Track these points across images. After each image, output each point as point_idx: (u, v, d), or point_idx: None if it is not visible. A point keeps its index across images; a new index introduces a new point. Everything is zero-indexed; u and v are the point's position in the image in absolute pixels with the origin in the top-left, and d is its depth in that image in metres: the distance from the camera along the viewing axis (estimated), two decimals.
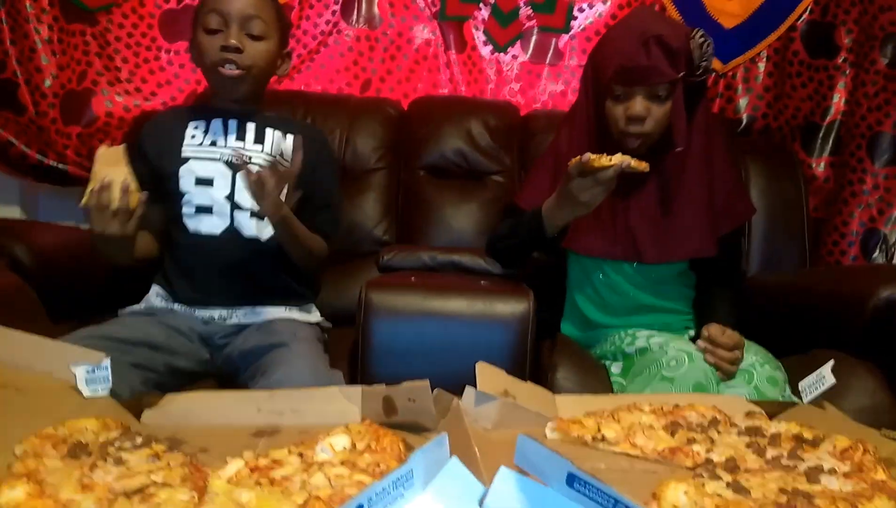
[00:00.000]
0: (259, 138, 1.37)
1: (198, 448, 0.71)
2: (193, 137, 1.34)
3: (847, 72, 2.04)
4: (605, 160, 1.16)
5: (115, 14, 1.97)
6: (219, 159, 1.33)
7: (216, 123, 1.35)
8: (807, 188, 1.94)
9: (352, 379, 1.23)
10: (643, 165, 1.18)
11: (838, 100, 2.05)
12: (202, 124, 1.35)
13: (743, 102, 2.11)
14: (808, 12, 2.05)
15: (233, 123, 1.36)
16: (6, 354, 0.82)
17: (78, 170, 1.94)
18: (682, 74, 1.28)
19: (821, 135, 2.07)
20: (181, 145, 1.33)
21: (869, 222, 1.98)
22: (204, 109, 1.38)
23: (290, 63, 1.45)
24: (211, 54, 1.29)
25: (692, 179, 1.39)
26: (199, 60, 1.35)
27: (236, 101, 1.35)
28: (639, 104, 1.29)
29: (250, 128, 1.37)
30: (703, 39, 1.30)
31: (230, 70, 1.29)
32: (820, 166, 2.08)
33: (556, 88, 2.09)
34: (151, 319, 1.26)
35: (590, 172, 1.17)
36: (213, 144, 1.34)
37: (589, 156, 1.15)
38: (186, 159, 1.32)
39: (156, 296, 1.34)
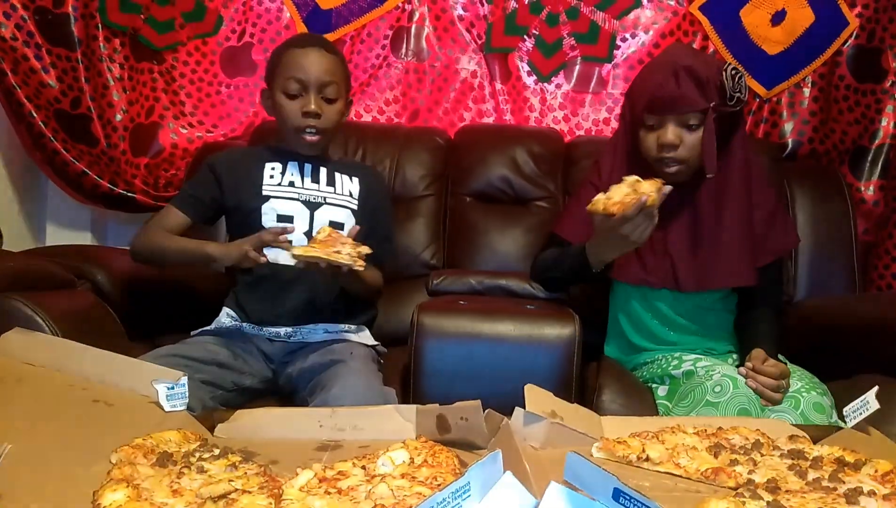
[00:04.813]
0: (330, 181, 1.48)
1: (269, 460, 0.78)
2: (272, 176, 1.45)
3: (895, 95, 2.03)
4: (619, 195, 1.20)
5: (181, 52, 2.10)
6: (297, 199, 1.43)
7: (292, 166, 1.47)
8: (855, 211, 1.93)
9: (404, 398, 1.28)
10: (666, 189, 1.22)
11: (887, 123, 2.04)
12: (279, 166, 1.46)
13: (788, 127, 2.12)
14: (853, 37, 2.05)
15: (307, 167, 1.47)
16: (98, 372, 0.90)
17: (145, 198, 2.07)
18: (712, 103, 1.30)
19: (869, 158, 2.06)
20: (261, 184, 1.43)
21: None
22: (278, 151, 1.49)
23: (350, 109, 1.55)
24: (293, 118, 1.40)
25: (731, 208, 1.40)
26: (279, 119, 1.45)
27: (312, 155, 1.47)
28: (670, 132, 1.32)
29: (323, 172, 1.48)
30: (735, 72, 1.32)
31: (311, 136, 1.41)
32: (869, 190, 2.06)
33: (600, 116, 2.14)
34: (220, 340, 1.35)
35: (630, 217, 1.20)
36: (292, 184, 1.45)
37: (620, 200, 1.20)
38: (268, 198, 1.42)
39: (226, 317, 1.43)
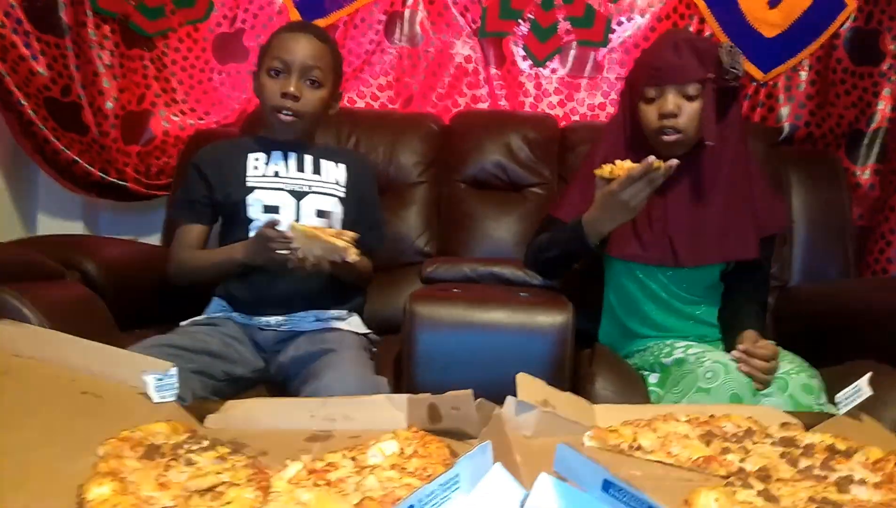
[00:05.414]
0: (316, 169, 1.47)
1: (258, 451, 0.77)
2: (256, 167, 1.43)
3: (893, 78, 2.01)
4: (627, 165, 1.23)
5: (172, 39, 2.08)
6: (283, 189, 1.42)
7: (276, 155, 1.45)
8: (851, 196, 1.92)
9: (396, 387, 1.28)
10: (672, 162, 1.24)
11: (884, 106, 2.03)
12: (262, 156, 1.45)
13: (784, 111, 2.10)
14: (851, 20, 2.03)
15: (292, 155, 1.46)
16: (86, 363, 0.89)
17: (137, 186, 2.05)
18: (710, 74, 1.33)
19: (866, 142, 2.05)
20: (245, 175, 1.42)
21: None
22: (263, 140, 1.48)
23: (339, 102, 1.54)
24: (272, 97, 1.39)
25: (729, 182, 1.41)
26: (261, 97, 1.44)
27: (290, 139, 1.45)
28: (670, 101, 1.34)
29: (308, 159, 1.47)
30: (732, 49, 1.35)
31: (286, 116, 1.39)
32: (865, 174, 2.05)
33: (595, 101, 2.12)
34: (212, 329, 1.34)
35: (635, 178, 1.22)
36: (276, 174, 1.44)
37: (626, 165, 1.22)
38: (252, 189, 1.41)
39: (217, 307, 1.42)
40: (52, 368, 0.90)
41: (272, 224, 1.25)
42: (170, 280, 1.44)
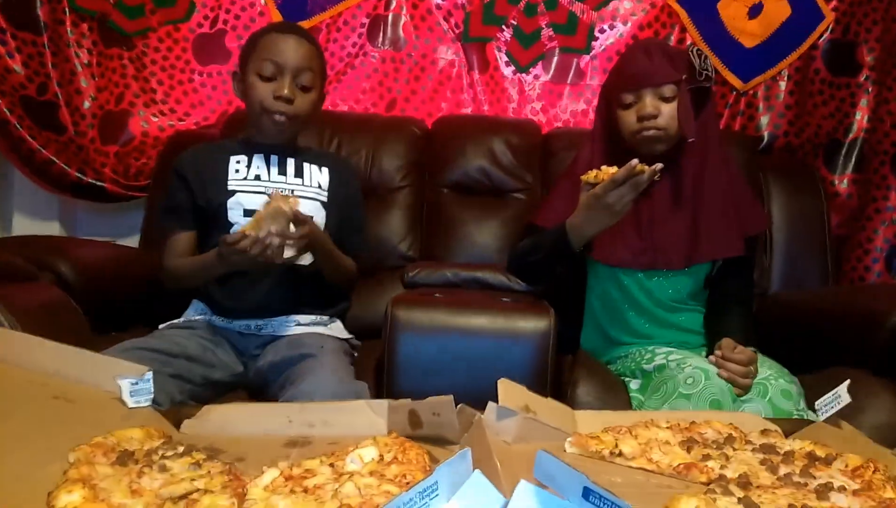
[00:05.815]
0: (298, 173, 1.45)
1: (235, 457, 0.75)
2: (237, 170, 1.41)
3: (869, 90, 2.05)
4: (613, 170, 1.24)
5: (151, 38, 2.05)
6: (264, 192, 1.40)
7: (258, 158, 1.43)
8: (829, 205, 1.95)
9: (377, 392, 1.27)
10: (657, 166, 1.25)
11: (861, 117, 2.06)
12: (244, 159, 1.43)
13: (764, 120, 2.13)
14: (829, 31, 2.07)
15: (274, 159, 1.44)
16: (58, 367, 0.87)
17: (115, 187, 2.02)
18: (683, 75, 1.36)
19: (843, 152, 2.08)
20: (226, 179, 1.40)
21: (893, 239, 1.98)
22: (245, 143, 1.45)
23: (322, 104, 1.51)
24: (264, 100, 1.36)
25: (711, 183, 1.43)
26: (249, 101, 1.41)
27: (276, 142, 1.43)
28: (648, 104, 1.37)
29: (290, 163, 1.45)
30: (699, 52, 1.39)
31: (280, 119, 1.37)
32: (843, 183, 2.08)
33: (578, 107, 2.13)
34: (190, 332, 1.32)
35: (619, 182, 1.24)
36: (258, 177, 1.42)
37: (610, 169, 1.24)
38: (234, 192, 1.39)
39: (195, 310, 1.40)
40: (23, 372, 0.88)
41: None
42: (164, 288, 1.42)
